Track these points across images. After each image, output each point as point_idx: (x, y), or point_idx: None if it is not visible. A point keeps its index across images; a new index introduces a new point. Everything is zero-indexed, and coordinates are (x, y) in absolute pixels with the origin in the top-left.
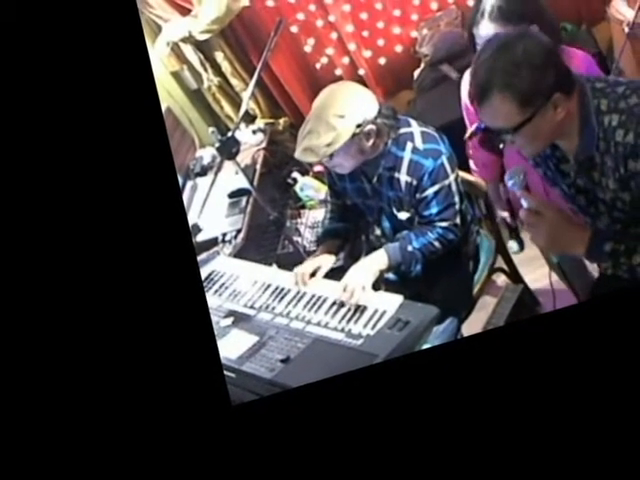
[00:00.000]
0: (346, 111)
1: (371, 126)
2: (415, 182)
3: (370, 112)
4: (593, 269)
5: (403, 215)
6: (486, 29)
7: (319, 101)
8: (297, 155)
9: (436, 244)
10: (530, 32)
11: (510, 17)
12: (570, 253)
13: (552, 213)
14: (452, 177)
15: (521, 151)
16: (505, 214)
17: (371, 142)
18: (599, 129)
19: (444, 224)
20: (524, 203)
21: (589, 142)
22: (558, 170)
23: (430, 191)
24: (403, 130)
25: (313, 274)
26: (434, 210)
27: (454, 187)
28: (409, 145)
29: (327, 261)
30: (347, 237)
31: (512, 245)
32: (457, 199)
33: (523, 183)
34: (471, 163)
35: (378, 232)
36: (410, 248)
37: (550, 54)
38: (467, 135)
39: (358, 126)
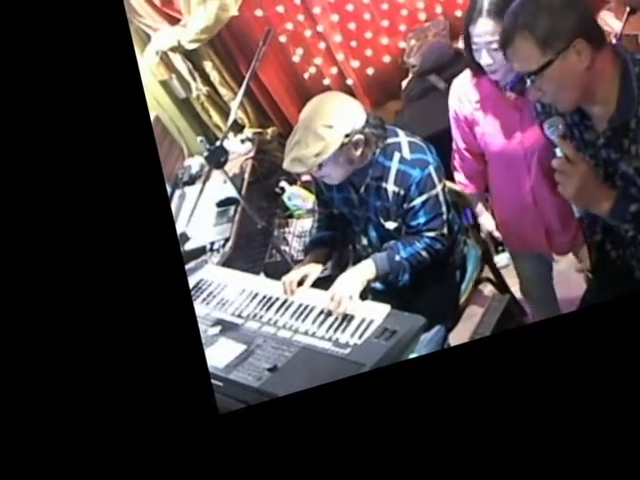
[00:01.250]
0: (334, 121)
1: (359, 136)
2: (402, 192)
3: (358, 122)
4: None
5: (390, 225)
6: (483, 26)
7: (307, 111)
8: (285, 166)
9: (423, 254)
10: None
11: None
12: (595, 209)
13: (585, 165)
14: (439, 187)
15: (554, 104)
16: (491, 227)
17: (359, 152)
18: (639, 94)
19: (431, 234)
20: (558, 152)
21: (628, 107)
22: (582, 140)
23: (417, 201)
24: (391, 140)
25: (301, 283)
26: (422, 220)
27: (441, 197)
28: (396, 155)
29: (314, 270)
30: (334, 246)
31: (499, 259)
32: (444, 209)
33: (562, 131)
34: (457, 176)
35: (365, 242)
36: (398, 258)
37: (573, 2)
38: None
39: (346, 136)
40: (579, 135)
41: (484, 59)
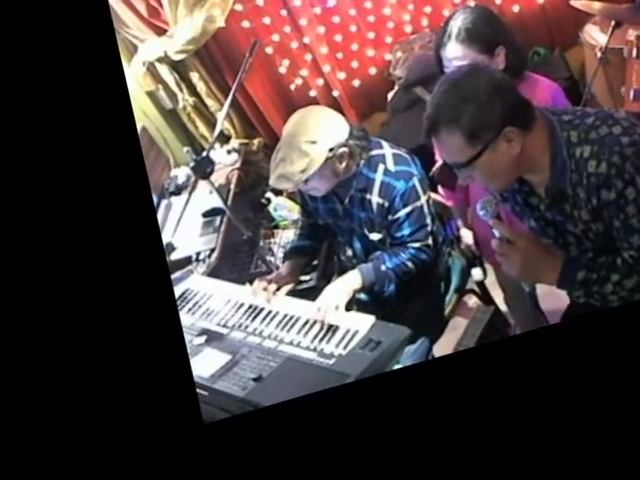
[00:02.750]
0: (317, 136)
1: (343, 149)
2: (387, 204)
3: (341, 135)
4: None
5: (375, 236)
6: (453, 51)
7: (289, 128)
8: (272, 183)
9: (409, 264)
10: (480, 67)
11: (477, 39)
12: (542, 282)
13: (524, 242)
14: (424, 199)
15: (487, 187)
16: (470, 241)
17: (344, 164)
18: (570, 161)
19: (417, 245)
20: (496, 232)
21: (561, 175)
22: (527, 204)
23: (402, 213)
24: (375, 152)
25: (278, 289)
26: (406, 232)
27: (426, 209)
28: (381, 167)
29: (290, 277)
30: (313, 256)
31: (475, 273)
32: (429, 220)
33: (495, 212)
34: (439, 189)
35: (350, 253)
36: (383, 268)
37: (499, 88)
38: (432, 171)
39: (330, 150)
40: (522, 200)
41: None
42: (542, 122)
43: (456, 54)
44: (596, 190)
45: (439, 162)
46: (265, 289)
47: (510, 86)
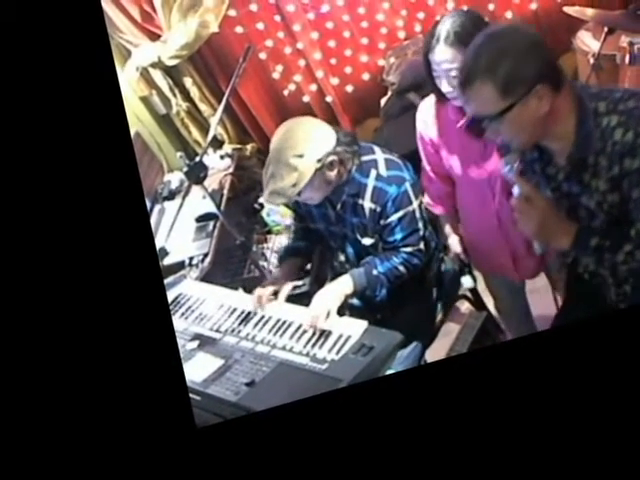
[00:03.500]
0: (304, 149)
1: (332, 157)
2: (379, 209)
3: (328, 144)
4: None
5: (367, 241)
6: (442, 54)
7: (276, 143)
8: (265, 199)
9: (401, 268)
10: (520, 26)
11: (466, 41)
12: (556, 244)
13: (544, 202)
14: (416, 203)
15: (510, 143)
16: (458, 249)
17: (335, 171)
18: (596, 130)
19: (409, 249)
20: (516, 190)
21: (585, 143)
22: (544, 174)
23: (394, 217)
24: (367, 157)
25: (275, 295)
26: (398, 236)
27: (418, 213)
28: (373, 172)
29: (287, 281)
30: (308, 256)
31: (465, 281)
32: (421, 225)
33: (518, 169)
34: (426, 197)
35: (342, 258)
36: (375, 272)
37: (536, 46)
38: (460, 124)
39: (319, 160)
40: (540, 170)
41: (444, 87)
42: (570, 89)
43: (445, 57)
44: (620, 158)
45: (467, 116)
46: (269, 298)
47: (545, 46)
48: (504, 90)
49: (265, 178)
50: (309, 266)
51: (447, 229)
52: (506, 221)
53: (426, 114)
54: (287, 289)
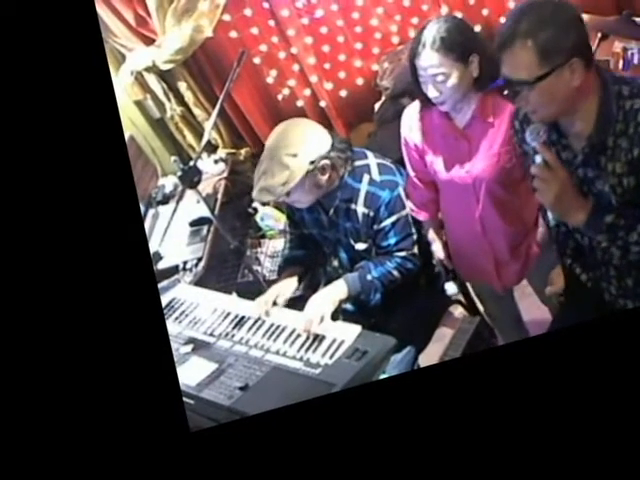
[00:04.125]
0: (298, 149)
1: (325, 161)
2: (372, 213)
3: (322, 147)
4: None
5: (360, 246)
6: (428, 60)
7: (271, 141)
8: (254, 196)
9: (395, 273)
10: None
11: (451, 47)
12: (570, 218)
13: (565, 172)
14: (409, 208)
15: (534, 114)
16: (442, 255)
17: (326, 176)
18: (618, 112)
19: (402, 253)
20: (538, 158)
21: (607, 125)
22: (560, 158)
23: (387, 222)
24: (359, 162)
25: (274, 302)
26: (392, 241)
27: (411, 218)
28: (365, 177)
29: (287, 289)
30: (308, 265)
31: (449, 287)
32: (414, 229)
33: (542, 138)
34: (409, 203)
35: (336, 263)
36: (369, 277)
37: (576, 20)
38: (493, 85)
39: (311, 163)
40: (556, 154)
41: (431, 92)
42: (596, 69)
43: (431, 62)
44: None
45: (502, 78)
46: (273, 304)
47: (582, 22)
48: (543, 56)
49: (257, 174)
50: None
51: (430, 235)
52: (490, 227)
53: (411, 119)
54: (287, 296)
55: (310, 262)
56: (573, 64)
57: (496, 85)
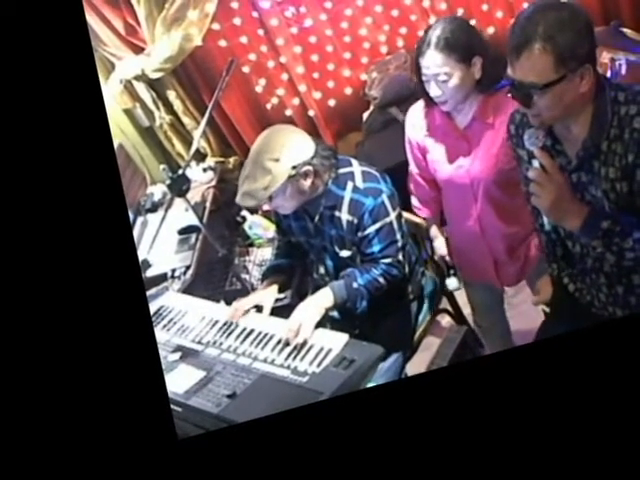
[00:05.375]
0: (281, 154)
1: (307, 167)
2: (356, 220)
3: (305, 153)
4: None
5: (345, 253)
6: (432, 59)
7: (256, 146)
8: (238, 200)
9: (381, 280)
10: (573, 3)
11: (455, 48)
12: (566, 223)
13: (562, 177)
14: (393, 215)
15: (536, 118)
16: (444, 252)
17: (309, 182)
18: (613, 118)
19: (387, 260)
20: (535, 162)
21: (600, 129)
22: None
23: (371, 229)
24: (344, 170)
25: (259, 310)
26: (376, 248)
27: (396, 225)
28: (349, 184)
29: (269, 297)
30: (292, 274)
31: (450, 282)
32: (399, 236)
33: (541, 142)
34: (413, 200)
35: (322, 270)
36: (355, 285)
37: (591, 27)
38: (494, 88)
39: (294, 168)
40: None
41: (433, 91)
42: (597, 74)
43: (435, 62)
44: (636, 146)
45: (509, 79)
46: (247, 311)
47: (593, 28)
48: (560, 61)
49: (241, 179)
50: None
51: (433, 232)
52: (488, 226)
53: (415, 118)
54: (270, 305)
55: (294, 271)
56: (584, 70)
57: (502, 86)
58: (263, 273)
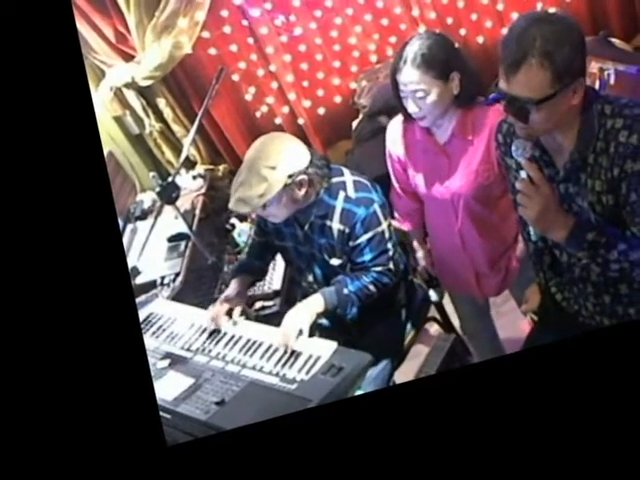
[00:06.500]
0: (277, 162)
1: (303, 176)
2: (348, 230)
3: (301, 163)
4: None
5: (335, 261)
6: (409, 76)
7: (251, 152)
8: (231, 206)
9: (371, 287)
10: (567, 15)
11: (432, 64)
12: (552, 234)
13: (549, 190)
14: (385, 224)
15: (524, 130)
16: (426, 263)
17: (303, 191)
18: (599, 131)
19: (378, 268)
20: (523, 173)
21: (587, 141)
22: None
23: (363, 239)
24: (336, 179)
25: (229, 314)
26: (367, 257)
27: (387, 234)
28: (341, 194)
29: (238, 298)
30: (260, 275)
31: (432, 294)
32: (390, 245)
33: (528, 153)
34: (395, 212)
35: (310, 278)
36: (346, 291)
37: (583, 39)
38: (486, 101)
39: (289, 177)
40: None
41: (410, 107)
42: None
43: (412, 79)
44: (622, 160)
45: (492, 95)
46: (228, 314)
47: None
48: (558, 77)
49: (234, 185)
50: (279, 286)
51: (415, 244)
52: (469, 240)
53: (394, 133)
54: (240, 307)
55: (264, 273)
56: (577, 84)
57: (493, 100)
58: (232, 271)
